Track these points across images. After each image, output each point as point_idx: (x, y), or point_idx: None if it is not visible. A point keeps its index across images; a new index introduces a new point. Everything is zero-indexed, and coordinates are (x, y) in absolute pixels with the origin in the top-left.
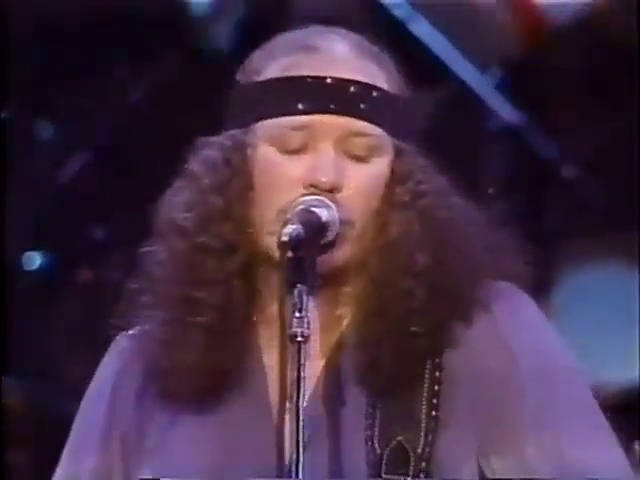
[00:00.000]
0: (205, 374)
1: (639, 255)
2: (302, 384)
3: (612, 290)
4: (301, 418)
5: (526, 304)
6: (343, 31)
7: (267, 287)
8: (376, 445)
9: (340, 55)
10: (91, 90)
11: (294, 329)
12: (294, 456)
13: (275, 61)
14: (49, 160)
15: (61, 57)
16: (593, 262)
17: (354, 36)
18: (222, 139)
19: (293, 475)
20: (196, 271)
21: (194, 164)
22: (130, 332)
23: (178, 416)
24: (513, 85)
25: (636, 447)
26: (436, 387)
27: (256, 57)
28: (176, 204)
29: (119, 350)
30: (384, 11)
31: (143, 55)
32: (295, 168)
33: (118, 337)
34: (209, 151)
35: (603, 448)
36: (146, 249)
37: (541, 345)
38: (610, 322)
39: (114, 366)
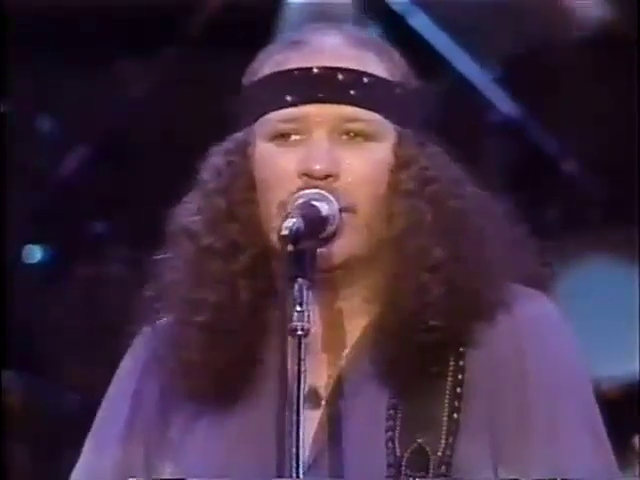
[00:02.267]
0: (206, 372)
1: (639, 249)
2: (302, 378)
3: (612, 284)
4: (301, 412)
5: (551, 314)
6: (344, 26)
7: (279, 284)
8: (397, 447)
9: (329, 46)
10: (91, 84)
11: (294, 323)
12: (293, 452)
13: (269, 60)
14: (49, 154)
15: (61, 50)
16: (593, 256)
17: (353, 29)
18: (226, 143)
19: (294, 472)
20: (201, 272)
21: (203, 172)
22: (156, 323)
23: (200, 410)
24: (513, 78)
25: (636, 441)
26: (458, 389)
27: (256, 60)
28: (186, 210)
29: (144, 342)
30: (383, 5)
31: (143, 49)
32: (290, 160)
33: (143, 330)
34: (215, 157)
35: (601, 467)
36: (159, 256)
37: (560, 360)
38: (610, 316)
39: (139, 358)
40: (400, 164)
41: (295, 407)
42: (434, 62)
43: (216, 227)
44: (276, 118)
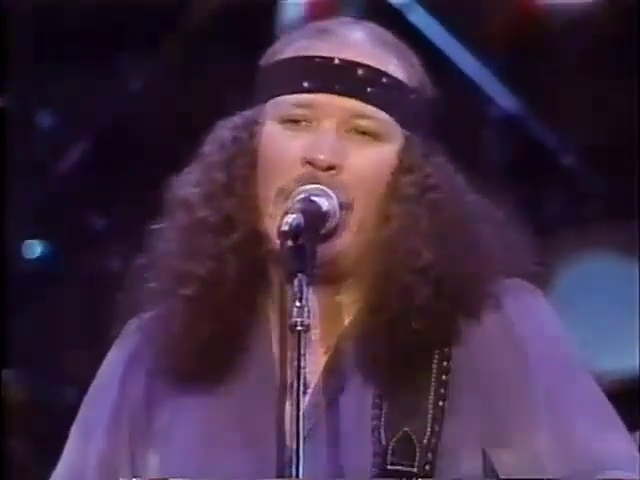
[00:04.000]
0: (190, 346)
1: (639, 243)
2: (302, 373)
3: (612, 279)
4: (301, 408)
5: (538, 300)
6: (369, 24)
7: (272, 269)
8: (382, 435)
9: (354, 40)
10: (91, 79)
11: (294, 318)
12: (294, 448)
13: (292, 44)
14: (49, 149)
15: (61, 45)
16: (593, 250)
17: (378, 29)
18: (235, 118)
19: (293, 468)
20: (192, 245)
21: (207, 144)
22: (143, 315)
23: (185, 399)
24: (512, 73)
25: (635, 437)
26: (444, 377)
27: (278, 42)
28: (186, 181)
29: (130, 334)
30: (382, 1)
31: (143, 42)
32: (295, 145)
33: (130, 321)
34: (221, 130)
35: (614, 439)
36: (155, 226)
37: (552, 341)
38: (610, 311)
39: (125, 349)
40: (403, 168)
41: (295, 403)
42: (433, 58)
43: (213, 201)
44: (290, 101)
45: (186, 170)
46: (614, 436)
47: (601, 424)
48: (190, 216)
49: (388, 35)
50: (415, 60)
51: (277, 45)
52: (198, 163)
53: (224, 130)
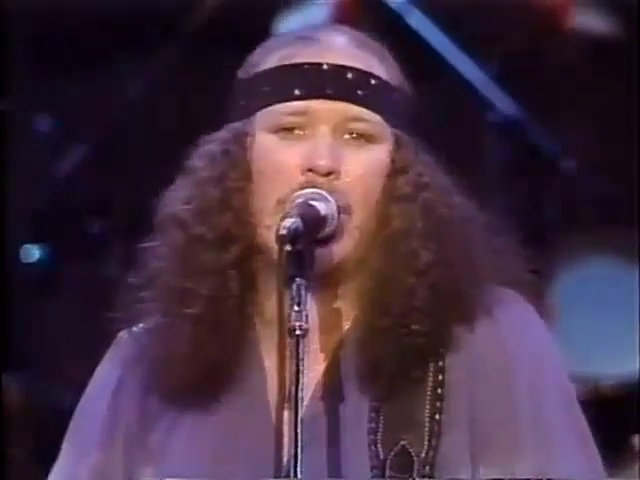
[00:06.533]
0: (195, 366)
1: (639, 249)
2: (301, 378)
3: (612, 283)
4: (300, 413)
5: (530, 315)
6: (345, 28)
7: (265, 282)
8: (380, 449)
9: (338, 44)
10: (91, 82)
11: (293, 323)
12: (292, 452)
13: (273, 54)
14: (48, 153)
15: (61, 50)
16: (593, 256)
17: (354, 32)
18: (222, 132)
19: (291, 474)
20: (191, 262)
21: (194, 159)
22: (133, 329)
23: (181, 415)
24: (512, 78)
25: (635, 441)
26: (439, 390)
27: (256, 53)
28: (176, 198)
29: (122, 347)
30: (381, 5)
31: (143, 47)
32: (292, 154)
33: (121, 333)
34: (209, 145)
35: (588, 467)
36: (146, 244)
37: (541, 361)
38: (610, 314)
39: (117, 363)
40: (397, 168)
41: (294, 407)
42: (433, 62)
43: (208, 217)
44: (282, 110)
45: (172, 187)
46: (593, 468)
47: (577, 449)
48: (185, 234)
49: (366, 38)
50: (392, 60)
51: (255, 56)
52: (187, 179)
53: (212, 145)
